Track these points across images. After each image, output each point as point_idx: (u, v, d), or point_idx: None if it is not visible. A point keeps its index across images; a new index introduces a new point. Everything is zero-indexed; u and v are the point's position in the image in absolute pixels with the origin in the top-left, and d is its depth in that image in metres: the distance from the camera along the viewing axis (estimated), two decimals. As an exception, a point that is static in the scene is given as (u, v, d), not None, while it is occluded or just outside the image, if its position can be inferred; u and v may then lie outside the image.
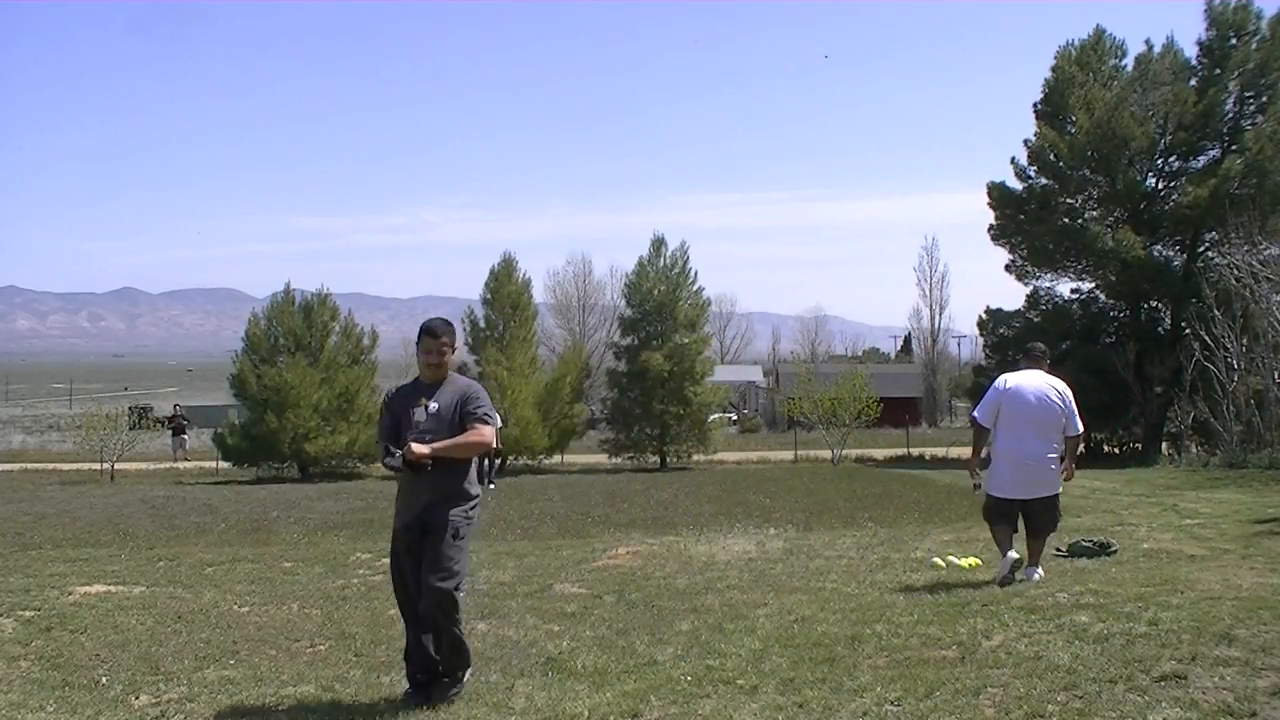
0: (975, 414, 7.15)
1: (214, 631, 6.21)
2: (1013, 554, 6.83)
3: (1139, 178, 27.99)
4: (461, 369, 30.28)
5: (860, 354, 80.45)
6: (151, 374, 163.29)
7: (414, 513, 4.71)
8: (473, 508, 4.83)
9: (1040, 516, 6.88)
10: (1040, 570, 6.90)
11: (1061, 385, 6.96)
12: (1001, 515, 6.94)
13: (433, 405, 4.74)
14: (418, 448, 4.59)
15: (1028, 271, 30.20)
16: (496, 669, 5.18)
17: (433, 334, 4.81)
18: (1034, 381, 6.91)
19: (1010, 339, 27.13)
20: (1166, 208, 27.73)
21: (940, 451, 31.45)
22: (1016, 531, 6.97)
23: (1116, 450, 29.09)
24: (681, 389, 28.73)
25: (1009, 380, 6.96)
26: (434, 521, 4.67)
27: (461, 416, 4.77)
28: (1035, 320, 29.93)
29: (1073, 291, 30.35)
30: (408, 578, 4.72)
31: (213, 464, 29.38)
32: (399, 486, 4.83)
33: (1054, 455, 6.87)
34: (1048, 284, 30.49)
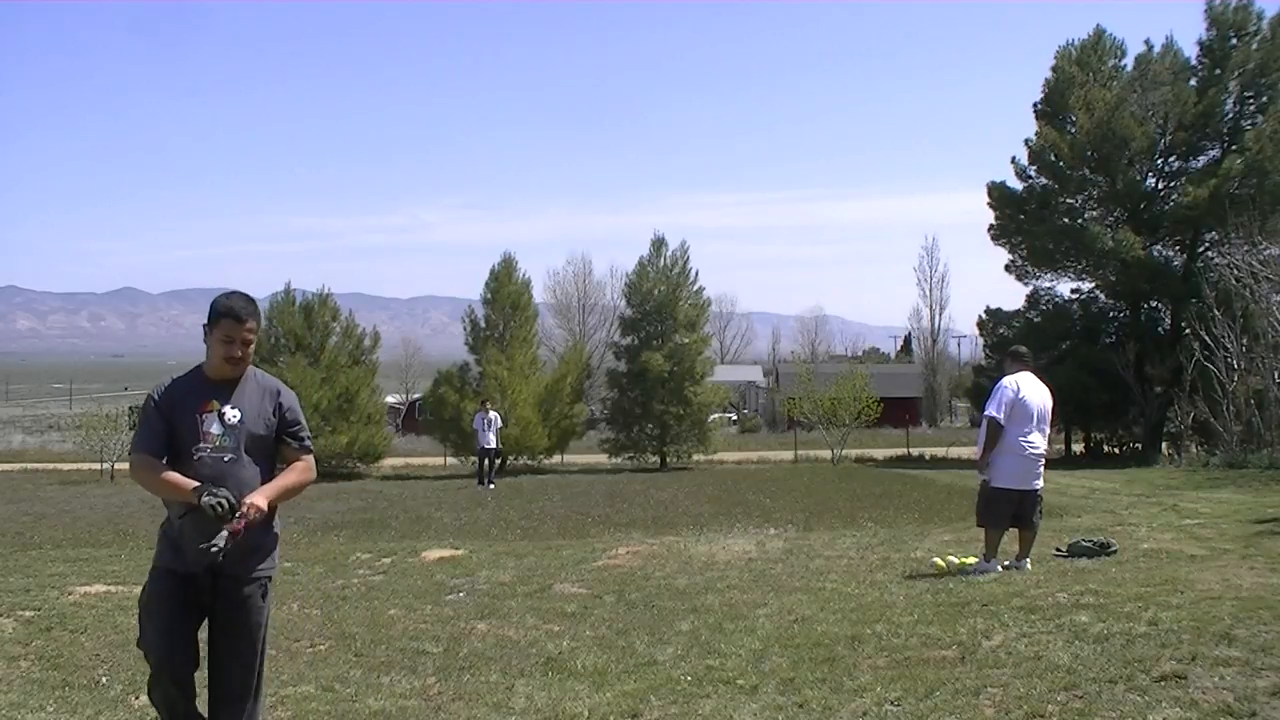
0: (993, 413, 7.41)
1: (214, 631, 6.20)
2: (1000, 564, 7.36)
3: (1139, 178, 28.01)
4: (462, 369, 30.23)
5: (860, 354, 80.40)
6: (152, 374, 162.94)
7: (206, 562, 3.41)
8: (276, 553, 3.74)
9: (1032, 507, 7.49)
10: (1029, 563, 7.41)
11: (1047, 388, 7.70)
12: (1000, 508, 7.38)
13: (232, 413, 3.56)
14: (259, 502, 3.46)
15: (1028, 271, 30.24)
16: (496, 669, 5.18)
17: (236, 317, 3.54)
18: (1034, 384, 7.55)
19: (1010, 339, 27.20)
20: (1166, 208, 27.76)
21: (940, 451, 31.47)
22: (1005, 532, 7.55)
23: (1116, 450, 29.13)
24: (681, 389, 28.75)
25: (1018, 383, 7.47)
26: (239, 575, 3.56)
27: (279, 437, 3.69)
28: (1035, 320, 29.97)
29: (1073, 291, 30.43)
30: (176, 632, 3.52)
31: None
32: (184, 523, 3.52)
33: (1045, 450, 7.60)
34: (1048, 284, 30.60)
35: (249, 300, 3.63)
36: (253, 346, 3.62)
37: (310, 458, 3.77)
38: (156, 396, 3.61)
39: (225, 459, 3.55)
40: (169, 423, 3.55)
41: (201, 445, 3.54)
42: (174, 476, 3.49)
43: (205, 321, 3.60)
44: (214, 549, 3.31)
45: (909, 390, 56.72)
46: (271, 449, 3.69)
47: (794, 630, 5.71)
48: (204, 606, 3.58)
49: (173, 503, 3.57)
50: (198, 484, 3.43)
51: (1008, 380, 7.47)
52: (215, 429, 3.55)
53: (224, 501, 3.40)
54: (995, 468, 7.39)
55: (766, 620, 6.04)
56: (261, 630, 3.63)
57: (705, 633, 5.80)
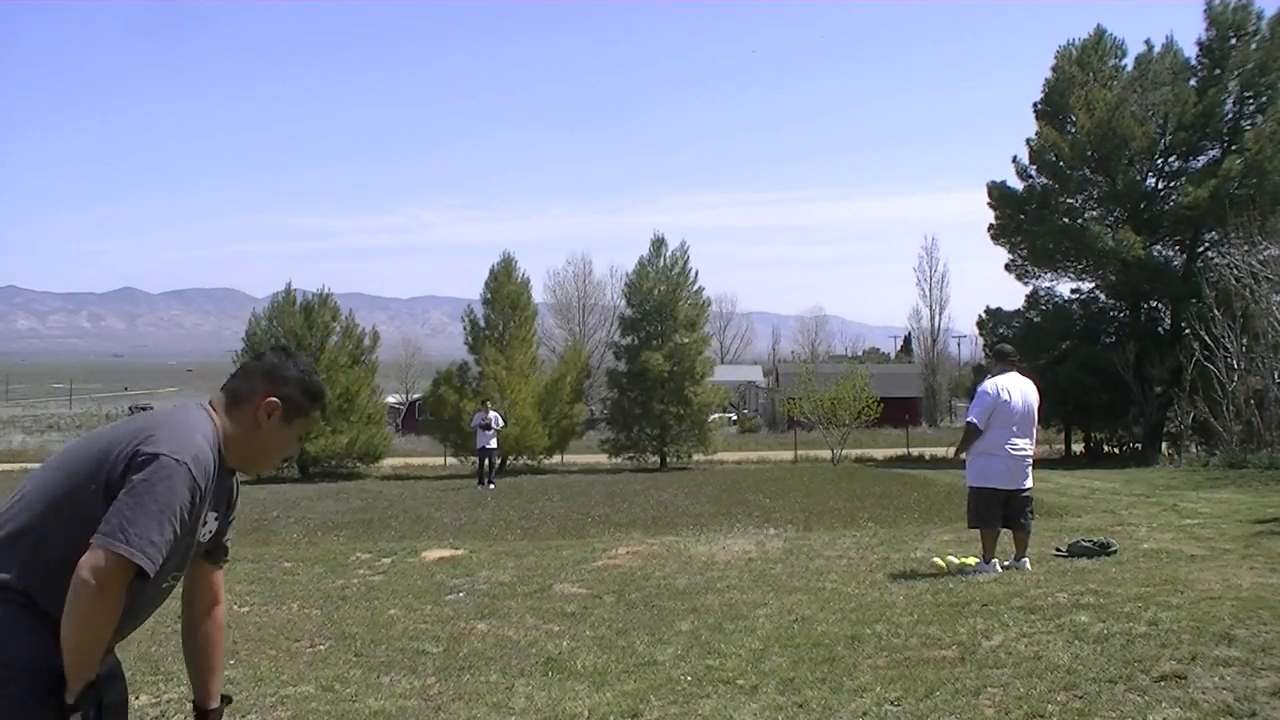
0: (973, 418, 7.52)
1: (214, 631, 6.20)
2: (999, 564, 7.36)
3: (1139, 178, 28.03)
4: (462, 369, 30.23)
5: (860, 354, 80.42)
6: (151, 374, 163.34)
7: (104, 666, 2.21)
8: None
9: (1023, 506, 7.52)
10: (1029, 561, 7.43)
11: (1034, 387, 7.70)
12: (989, 509, 7.41)
13: (214, 520, 2.36)
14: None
15: (1028, 271, 30.26)
16: (496, 669, 5.18)
17: (324, 408, 2.54)
18: (1017, 384, 7.55)
19: (1010, 339, 27.24)
20: (1166, 208, 27.78)
21: (940, 451, 31.46)
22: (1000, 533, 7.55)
23: (1116, 450, 29.14)
24: (681, 389, 28.76)
25: (999, 385, 7.48)
26: (121, 682, 2.42)
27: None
28: (1035, 320, 29.99)
29: (1073, 291, 30.46)
30: None
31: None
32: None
33: (1032, 450, 7.61)
34: (1048, 284, 30.64)
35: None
36: None
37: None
38: (201, 480, 2.19)
39: (174, 588, 2.40)
40: (190, 526, 2.22)
41: (178, 570, 2.34)
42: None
43: (271, 393, 2.33)
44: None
45: (909, 390, 56.74)
46: None
47: (794, 630, 5.70)
48: None
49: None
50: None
51: (989, 384, 7.52)
52: (203, 533, 2.36)
53: None
54: (981, 468, 7.44)
55: (766, 620, 6.03)
56: None
57: (705, 633, 5.80)
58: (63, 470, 2.23)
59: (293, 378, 2.37)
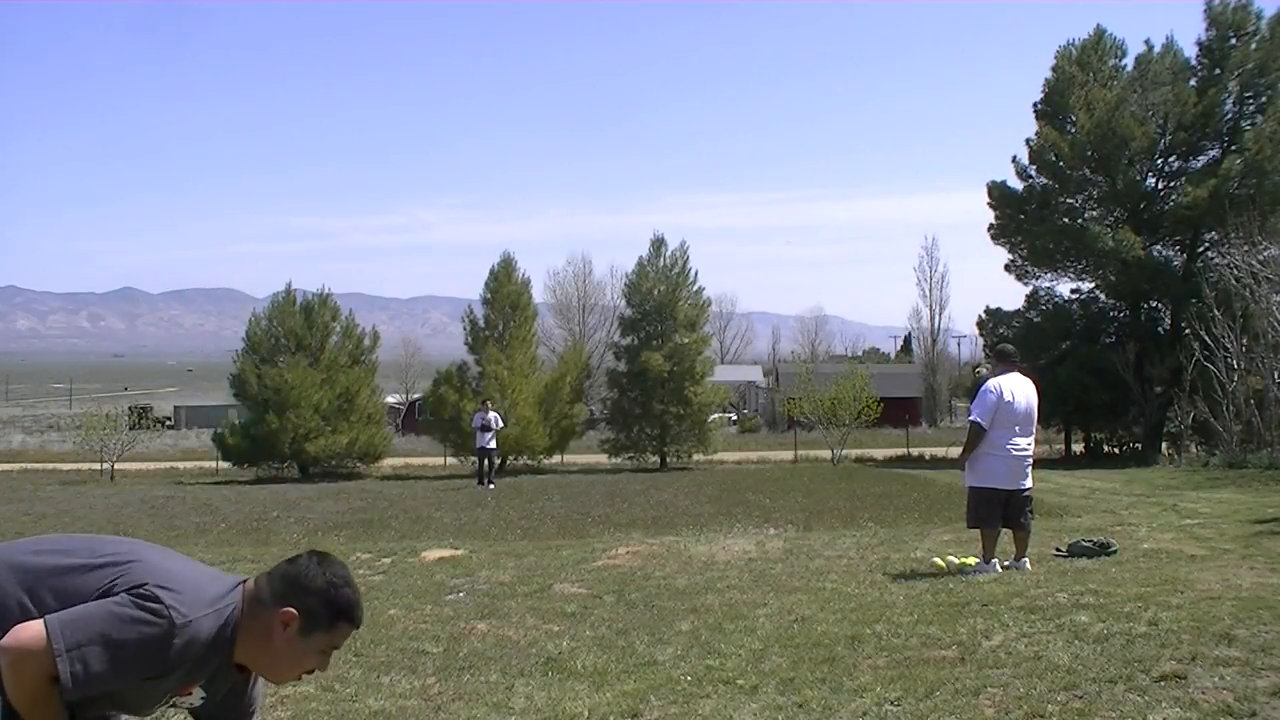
0: (977, 418, 7.51)
1: (214, 631, 6.19)
2: (999, 564, 7.35)
3: (1139, 178, 28.03)
4: (461, 369, 30.04)
5: (860, 354, 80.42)
6: (151, 374, 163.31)
7: None
8: None
9: (1023, 506, 7.53)
10: (1028, 562, 7.42)
11: (1034, 387, 7.73)
12: (989, 509, 7.40)
13: (199, 693, 2.26)
14: None
15: (1028, 271, 30.26)
16: (496, 669, 5.18)
17: (357, 624, 2.34)
18: (1019, 384, 7.56)
19: (1010, 339, 27.22)
20: (1166, 208, 27.79)
21: (940, 451, 31.47)
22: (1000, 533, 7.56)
23: (1116, 450, 29.15)
24: (681, 389, 28.76)
25: (1002, 385, 7.49)
26: None
27: None
28: (1035, 320, 30.00)
29: (1073, 291, 30.47)
30: None
31: (212, 464, 29.42)
32: None
33: (1032, 450, 7.66)
34: (1048, 284, 30.64)
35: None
36: None
37: None
38: (181, 653, 2.06)
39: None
40: (135, 680, 2.07)
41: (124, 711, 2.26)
42: None
43: (295, 606, 2.19)
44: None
45: (909, 390, 56.75)
46: None
47: (794, 630, 5.70)
48: None
49: None
50: None
51: (992, 383, 7.52)
52: (189, 701, 2.29)
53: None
54: (982, 468, 7.44)
55: (766, 620, 6.03)
56: None
57: (705, 633, 5.79)
58: (75, 559, 2.14)
59: (317, 588, 2.19)
